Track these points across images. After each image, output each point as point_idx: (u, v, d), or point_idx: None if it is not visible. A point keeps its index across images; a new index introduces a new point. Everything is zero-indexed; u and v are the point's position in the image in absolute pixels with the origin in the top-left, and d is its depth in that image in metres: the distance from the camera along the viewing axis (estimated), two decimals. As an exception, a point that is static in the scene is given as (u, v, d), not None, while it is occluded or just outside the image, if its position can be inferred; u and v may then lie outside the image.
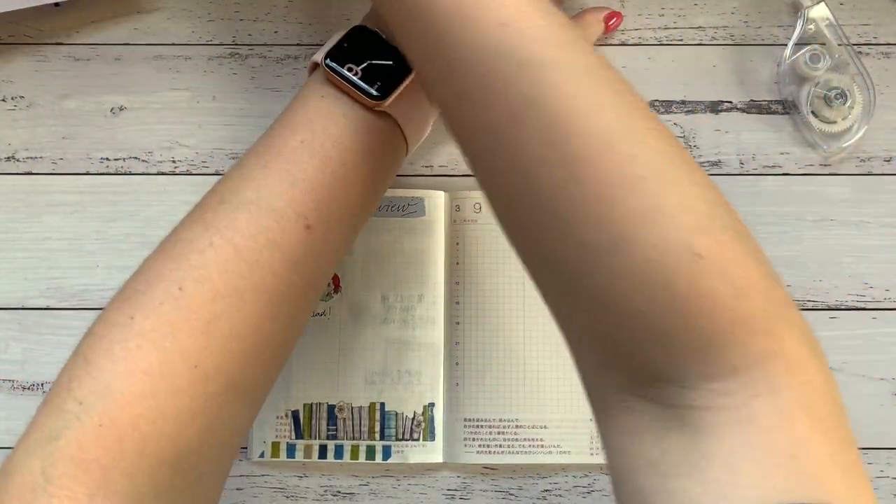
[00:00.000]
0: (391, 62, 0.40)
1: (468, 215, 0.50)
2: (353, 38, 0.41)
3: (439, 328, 0.49)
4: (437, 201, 0.50)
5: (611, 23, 0.51)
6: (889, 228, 0.51)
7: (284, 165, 0.38)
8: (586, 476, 0.48)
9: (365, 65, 0.40)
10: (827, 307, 0.50)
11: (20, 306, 0.50)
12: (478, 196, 0.50)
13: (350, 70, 0.40)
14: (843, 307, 0.50)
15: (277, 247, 0.37)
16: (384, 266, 0.49)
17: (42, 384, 0.49)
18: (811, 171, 0.51)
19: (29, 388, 0.49)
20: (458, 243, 0.50)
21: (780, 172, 0.51)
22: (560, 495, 0.48)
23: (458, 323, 0.49)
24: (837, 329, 0.49)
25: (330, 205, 0.38)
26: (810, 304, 0.50)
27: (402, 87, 0.40)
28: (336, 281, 0.49)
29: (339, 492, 0.48)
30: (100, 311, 0.36)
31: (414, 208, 0.50)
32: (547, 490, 0.48)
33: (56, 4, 0.52)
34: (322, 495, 0.48)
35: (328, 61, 0.40)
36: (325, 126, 0.39)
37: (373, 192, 0.41)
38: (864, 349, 0.49)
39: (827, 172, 0.51)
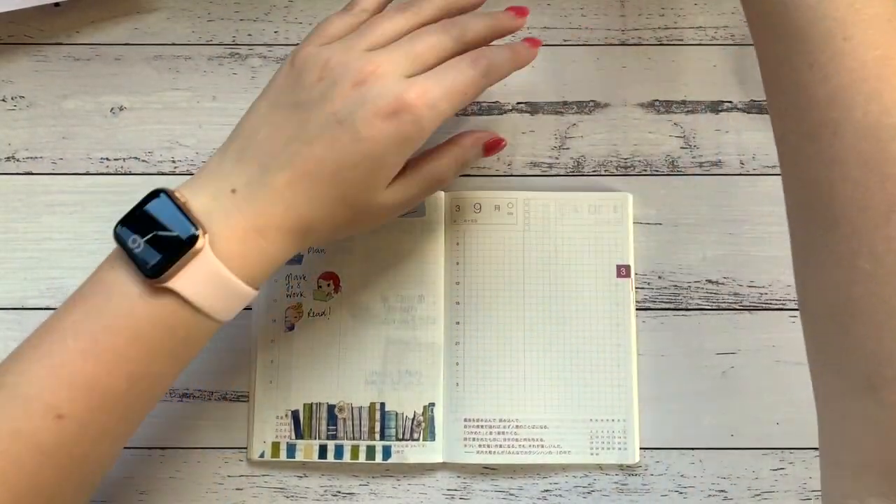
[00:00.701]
0: (178, 234, 0.37)
1: (468, 215, 0.50)
2: (150, 205, 0.38)
3: (439, 328, 0.49)
4: (437, 201, 0.50)
5: (492, 147, 0.46)
6: (889, 228, 0.50)
7: (49, 347, 0.37)
8: (586, 476, 0.48)
9: (150, 235, 0.37)
10: (827, 307, 0.50)
11: (20, 306, 0.50)
12: (478, 196, 0.50)
13: (135, 240, 0.37)
14: (843, 307, 0.50)
15: (22, 437, 0.35)
16: (384, 266, 0.49)
17: (42, 384, 0.49)
18: (811, 171, 0.51)
19: (29, 388, 0.49)
20: (458, 243, 0.50)
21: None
22: (560, 495, 0.48)
23: (458, 323, 0.49)
24: (838, 329, 0.49)
25: (91, 393, 0.36)
26: (810, 305, 0.50)
27: (182, 262, 0.36)
28: (336, 281, 0.49)
29: (339, 492, 0.48)
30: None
31: (414, 208, 0.50)
32: (547, 490, 0.48)
33: (56, 4, 0.52)
34: (322, 495, 0.48)
35: (117, 228, 0.38)
36: (100, 304, 0.37)
37: (152, 375, 0.38)
38: (865, 349, 0.49)
39: (827, 172, 0.51)
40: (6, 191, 0.51)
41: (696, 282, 0.50)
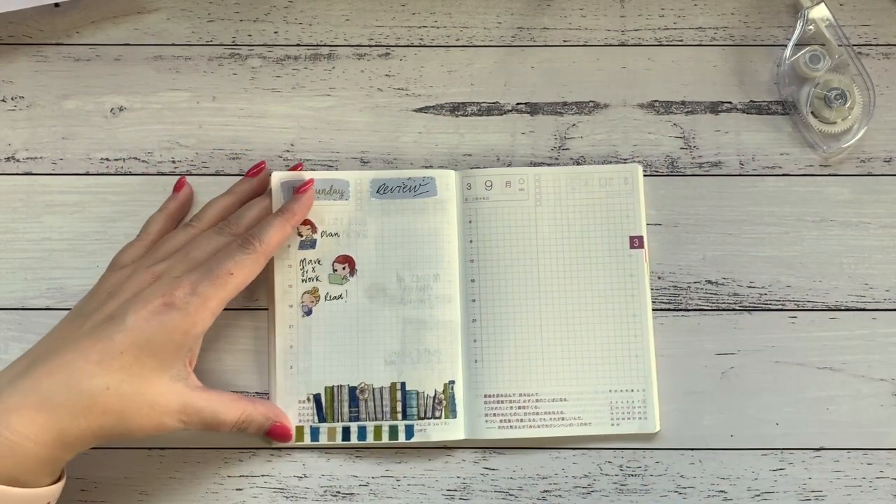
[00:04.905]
0: None
1: (480, 193, 0.50)
2: None
3: (456, 306, 0.49)
4: (448, 180, 0.50)
5: (276, 434, 0.47)
6: (889, 229, 0.51)
7: None
8: (586, 476, 0.48)
9: None
10: (827, 307, 0.50)
11: (20, 306, 0.50)
12: (488, 173, 0.50)
13: None
14: (842, 307, 0.50)
15: None
16: (398, 247, 0.49)
17: (42, 384, 0.49)
18: (811, 171, 0.51)
19: (29, 388, 0.49)
20: (470, 221, 0.50)
21: (780, 173, 0.51)
22: (560, 495, 0.48)
23: (474, 300, 0.49)
24: (837, 329, 0.49)
25: None
26: (810, 305, 0.50)
27: None
28: (352, 264, 0.49)
29: (339, 492, 0.48)
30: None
31: (426, 188, 0.50)
32: (547, 490, 0.48)
33: (56, 4, 0.52)
34: (322, 495, 0.48)
35: None
36: None
37: None
38: (864, 349, 0.49)
39: (827, 173, 0.51)
40: (6, 191, 0.51)
41: (695, 282, 0.50)
